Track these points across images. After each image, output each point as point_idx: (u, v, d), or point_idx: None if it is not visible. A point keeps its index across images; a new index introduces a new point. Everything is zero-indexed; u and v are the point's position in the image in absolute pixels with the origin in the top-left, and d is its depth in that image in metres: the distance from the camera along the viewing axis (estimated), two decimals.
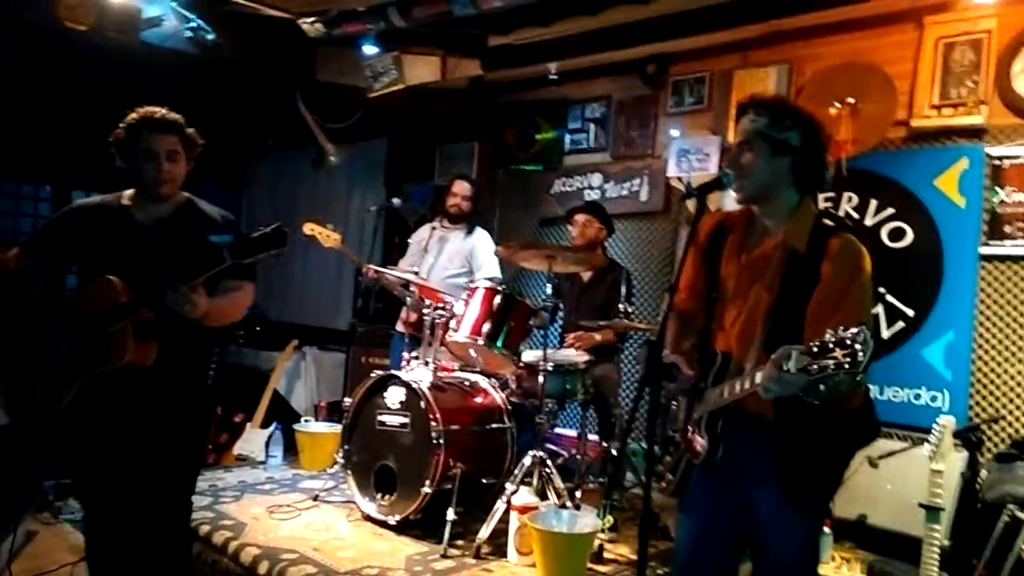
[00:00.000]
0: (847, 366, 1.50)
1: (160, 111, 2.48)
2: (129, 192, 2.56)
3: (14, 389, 2.49)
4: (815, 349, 1.54)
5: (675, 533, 2.16)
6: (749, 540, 2.02)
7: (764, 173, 1.93)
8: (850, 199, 4.12)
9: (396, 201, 4.91)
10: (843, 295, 1.82)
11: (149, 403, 2.41)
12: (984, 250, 3.70)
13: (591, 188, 5.36)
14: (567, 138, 5.57)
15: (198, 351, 2.56)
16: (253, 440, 4.78)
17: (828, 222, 1.93)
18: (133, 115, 2.47)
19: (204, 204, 2.62)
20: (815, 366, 1.54)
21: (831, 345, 1.52)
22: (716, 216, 2.17)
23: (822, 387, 1.59)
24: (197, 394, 2.59)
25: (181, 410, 2.50)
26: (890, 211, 4.00)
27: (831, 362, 1.52)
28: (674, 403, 2.11)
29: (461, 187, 4.49)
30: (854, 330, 1.51)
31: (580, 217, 4.30)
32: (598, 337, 4.03)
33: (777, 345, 1.75)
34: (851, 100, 4.02)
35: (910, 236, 3.93)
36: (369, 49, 4.76)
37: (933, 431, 2.76)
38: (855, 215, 4.09)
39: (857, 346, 1.49)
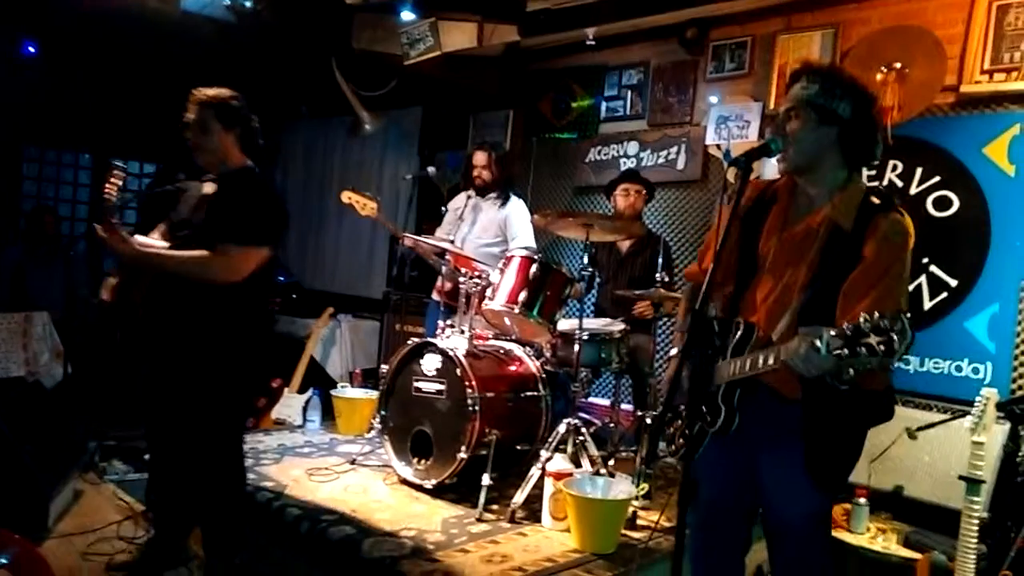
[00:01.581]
0: (881, 353, 1.46)
1: (205, 89, 2.72)
2: None
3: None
4: (848, 333, 1.50)
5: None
6: (760, 507, 2.03)
7: (810, 142, 1.89)
8: (895, 167, 4.03)
9: (431, 170, 4.90)
10: (882, 275, 1.78)
11: (164, 349, 2.67)
12: None
13: (627, 156, 5.30)
14: (603, 105, 5.51)
15: (225, 313, 2.65)
16: (291, 405, 4.86)
17: (875, 199, 1.88)
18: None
19: (246, 177, 2.78)
20: (846, 351, 1.50)
21: (866, 330, 1.48)
22: (757, 184, 2.13)
23: (851, 371, 1.56)
24: (215, 352, 2.65)
25: (208, 367, 2.63)
26: (936, 179, 3.90)
27: (864, 348, 1.48)
28: (684, 370, 2.10)
29: (478, 158, 4.44)
30: (891, 317, 1.47)
31: (631, 186, 4.27)
32: (637, 294, 4.01)
33: (810, 319, 1.73)
34: (898, 65, 3.92)
35: (956, 205, 3.84)
36: (406, 15, 4.73)
37: (976, 403, 2.72)
38: (900, 183, 4.01)
39: (894, 335, 1.45)
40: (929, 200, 3.91)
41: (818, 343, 1.56)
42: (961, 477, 2.69)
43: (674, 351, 2.18)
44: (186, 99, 2.74)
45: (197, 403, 2.65)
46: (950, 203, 3.85)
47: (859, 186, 1.93)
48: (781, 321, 1.88)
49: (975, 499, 2.64)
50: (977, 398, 2.72)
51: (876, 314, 1.48)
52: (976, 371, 3.71)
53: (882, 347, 1.46)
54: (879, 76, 3.94)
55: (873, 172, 4.07)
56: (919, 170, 3.96)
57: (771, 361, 1.77)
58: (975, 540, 2.62)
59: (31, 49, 6.03)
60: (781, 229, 1.98)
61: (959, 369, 3.76)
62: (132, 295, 2.64)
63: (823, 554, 1.99)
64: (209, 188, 2.74)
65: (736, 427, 1.94)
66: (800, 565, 1.97)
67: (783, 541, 1.98)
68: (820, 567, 1.98)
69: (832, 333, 1.53)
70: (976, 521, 2.62)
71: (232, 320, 2.68)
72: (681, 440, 2.07)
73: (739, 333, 1.93)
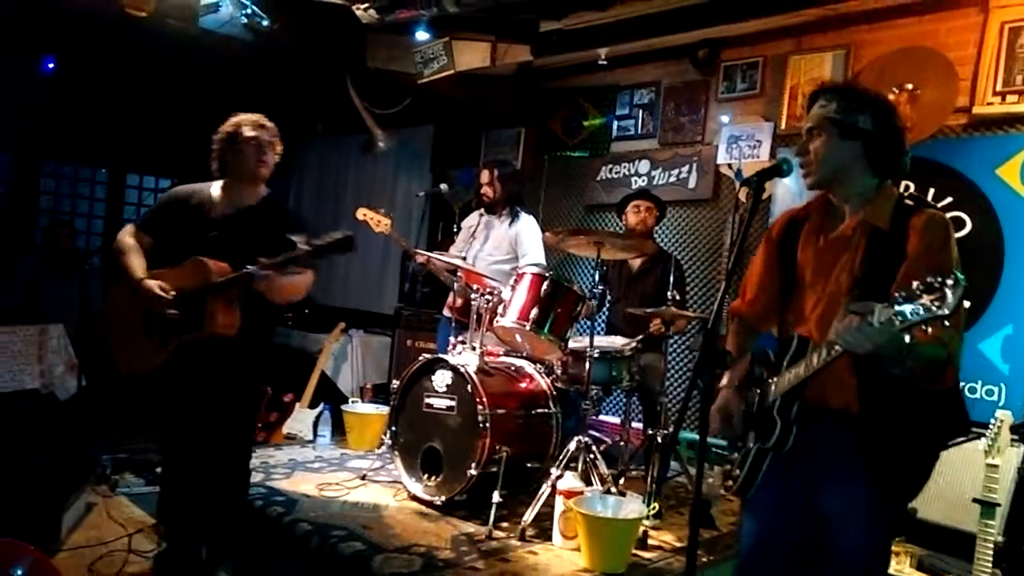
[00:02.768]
0: (935, 308, 1.41)
1: (258, 116, 2.93)
2: (219, 183, 2.94)
3: (120, 346, 2.90)
4: (899, 299, 1.47)
5: (742, 532, 2.13)
6: (815, 543, 1.95)
7: (834, 157, 1.90)
8: (907, 188, 4.03)
9: (444, 187, 4.94)
10: (933, 267, 1.71)
11: (223, 368, 2.79)
12: None
13: (638, 175, 5.33)
14: (615, 124, 5.54)
15: (265, 325, 2.94)
16: (302, 420, 4.87)
17: (909, 202, 1.88)
18: (236, 118, 2.91)
19: (280, 201, 3.05)
20: (899, 318, 1.45)
21: (918, 292, 1.44)
22: (790, 211, 2.15)
23: (907, 339, 1.48)
24: (260, 364, 2.98)
25: (246, 377, 2.90)
26: (949, 200, 3.90)
27: (919, 307, 1.43)
28: (747, 396, 2.07)
29: (483, 175, 4.50)
30: (943, 273, 1.43)
31: (642, 204, 4.28)
32: (648, 312, 4.01)
33: None
34: (910, 86, 3.93)
35: (969, 226, 3.83)
36: (420, 35, 4.79)
37: (990, 425, 2.71)
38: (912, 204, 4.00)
39: (947, 289, 1.41)
40: None
41: (870, 316, 1.53)
42: (975, 500, 2.67)
43: (724, 381, 2.11)
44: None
45: (239, 411, 2.91)
46: (963, 224, 3.85)
47: (892, 192, 1.93)
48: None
49: (990, 522, 2.62)
50: (991, 420, 2.71)
51: (927, 277, 1.44)
52: (990, 393, 3.69)
53: (936, 304, 1.41)
54: (891, 97, 3.94)
55: None
56: (932, 191, 3.96)
57: (824, 355, 1.74)
58: (990, 564, 2.60)
59: (50, 65, 6.13)
60: (816, 242, 1.99)
61: (973, 391, 3.73)
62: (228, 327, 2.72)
63: None
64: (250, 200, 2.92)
65: (795, 453, 1.89)
66: None
67: (839, 571, 1.90)
68: None
69: (885, 304, 1.49)
70: (991, 545, 2.61)
71: (269, 331, 3.04)
72: (738, 471, 2.02)
73: (793, 347, 1.91)
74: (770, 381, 1.96)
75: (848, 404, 1.85)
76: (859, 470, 1.83)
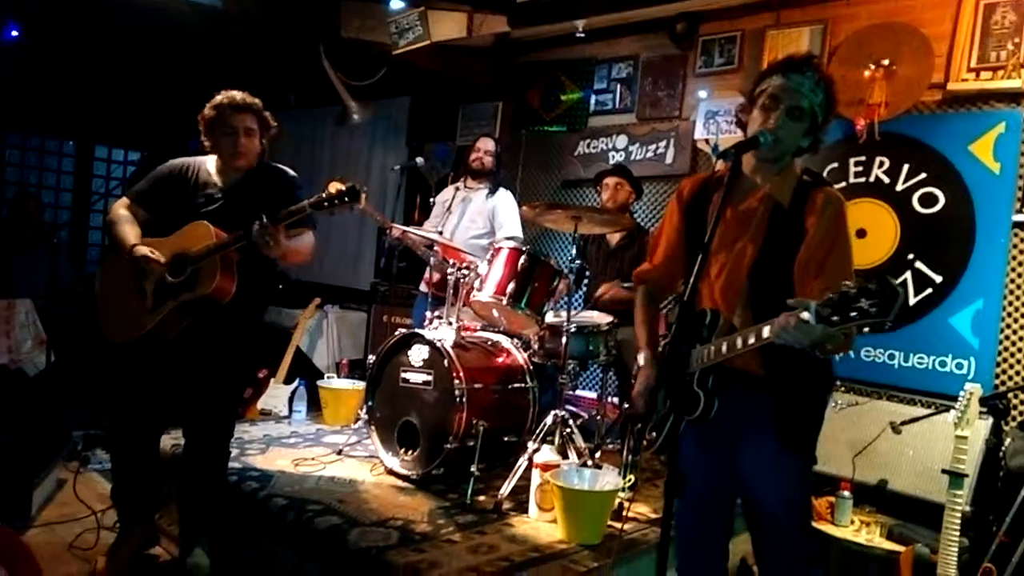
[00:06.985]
0: (874, 312, 1.48)
1: (240, 94, 2.85)
2: (212, 158, 2.92)
3: (110, 315, 2.86)
4: (835, 299, 1.53)
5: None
6: (740, 496, 2.09)
7: (791, 136, 1.94)
8: (882, 163, 4.06)
9: (419, 160, 4.89)
10: (829, 251, 1.87)
11: (217, 333, 2.77)
12: (1018, 217, 3.65)
13: (616, 150, 5.30)
14: (592, 99, 5.51)
15: (260, 300, 2.93)
16: (277, 395, 4.83)
17: (807, 178, 1.98)
18: (218, 97, 2.84)
19: (274, 165, 3.03)
20: (837, 317, 1.52)
21: (853, 295, 1.50)
22: (702, 175, 2.21)
23: (835, 341, 1.62)
24: (252, 340, 2.98)
25: (236, 351, 2.88)
26: (922, 176, 3.93)
27: (856, 313, 1.50)
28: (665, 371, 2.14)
29: (485, 143, 4.49)
30: (878, 280, 1.49)
31: (610, 180, 4.26)
32: (625, 286, 4.01)
33: (762, 300, 1.83)
34: (886, 62, 3.94)
35: (942, 202, 3.87)
36: (395, 3, 4.70)
37: (959, 398, 2.75)
38: (887, 179, 4.03)
39: (888, 298, 1.47)
40: (915, 196, 3.94)
41: (805, 315, 1.58)
42: (944, 471, 2.72)
43: (641, 359, 2.17)
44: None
45: (225, 387, 2.91)
46: (936, 200, 3.88)
47: (795, 167, 2.01)
48: (737, 305, 1.95)
49: (958, 493, 2.67)
50: (961, 393, 2.75)
51: (862, 280, 1.51)
52: (960, 366, 3.75)
53: (873, 308, 1.48)
54: (867, 72, 3.96)
55: (860, 168, 4.10)
56: (906, 166, 3.98)
57: (752, 340, 1.79)
58: (957, 533, 2.65)
59: (14, 33, 5.94)
60: (724, 209, 2.02)
61: (943, 364, 3.79)
62: (223, 290, 2.70)
63: (805, 539, 2.05)
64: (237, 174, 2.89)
65: (714, 414, 1.98)
66: (783, 550, 2.01)
67: (764, 527, 2.03)
68: (803, 552, 2.02)
69: (819, 303, 1.56)
70: (959, 515, 2.66)
71: (263, 308, 3.03)
72: (654, 434, 2.12)
73: (707, 320, 1.98)
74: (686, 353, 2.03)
75: (753, 368, 1.95)
76: (768, 429, 1.94)
